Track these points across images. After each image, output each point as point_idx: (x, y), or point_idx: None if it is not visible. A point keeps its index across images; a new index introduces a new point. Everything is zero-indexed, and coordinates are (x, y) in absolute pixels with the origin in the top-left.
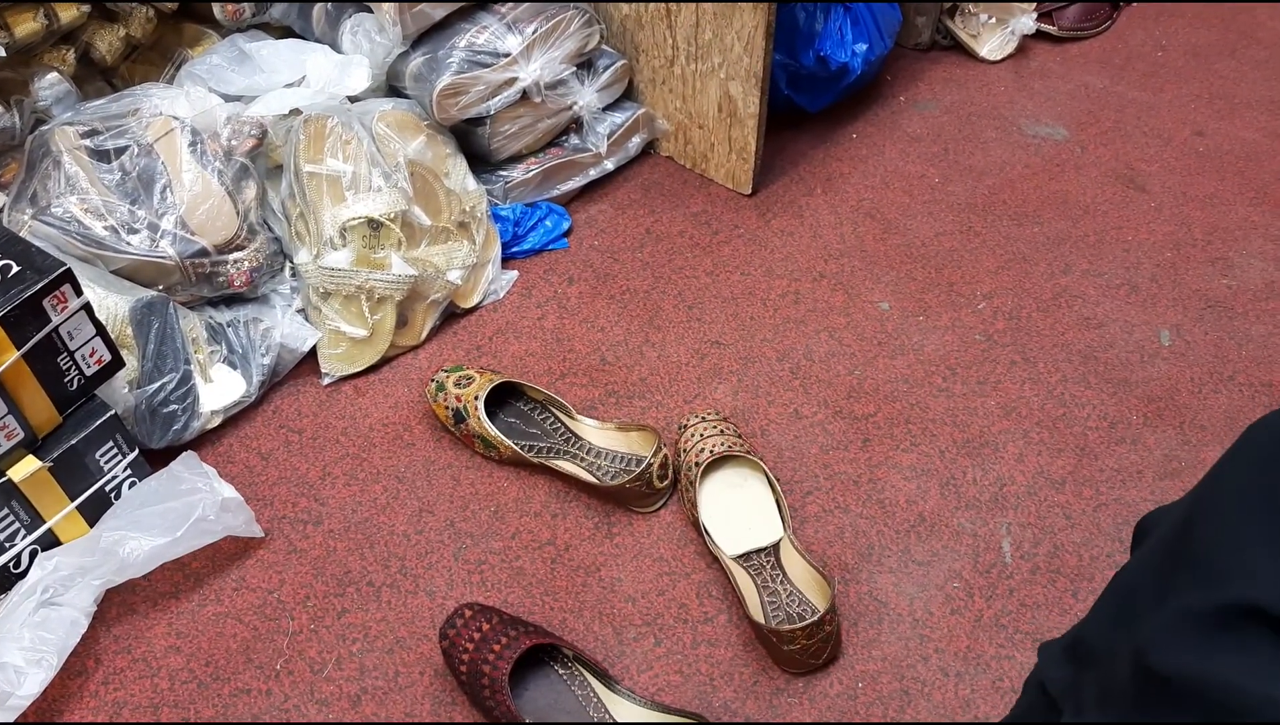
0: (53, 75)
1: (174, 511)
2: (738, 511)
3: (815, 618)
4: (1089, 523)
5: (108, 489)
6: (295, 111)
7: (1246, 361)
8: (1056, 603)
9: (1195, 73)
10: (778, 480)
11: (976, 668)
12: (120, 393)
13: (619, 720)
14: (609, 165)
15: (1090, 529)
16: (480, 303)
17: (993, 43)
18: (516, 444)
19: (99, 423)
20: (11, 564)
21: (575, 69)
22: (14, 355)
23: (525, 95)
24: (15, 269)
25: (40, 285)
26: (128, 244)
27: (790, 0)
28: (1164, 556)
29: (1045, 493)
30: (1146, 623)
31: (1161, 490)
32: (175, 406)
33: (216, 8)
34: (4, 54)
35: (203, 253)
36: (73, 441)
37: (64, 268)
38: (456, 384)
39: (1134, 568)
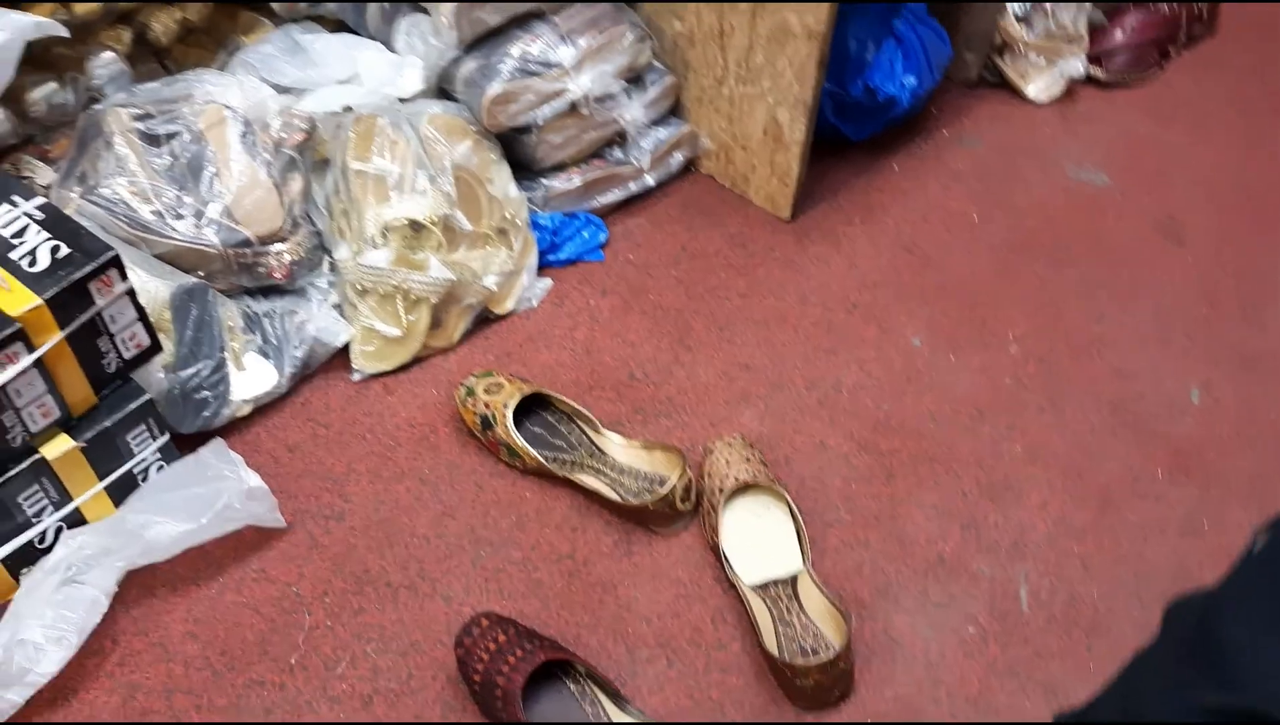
0: (108, 54)
1: (200, 498)
2: (758, 540)
3: (831, 655)
4: (1108, 575)
5: (136, 471)
6: (347, 108)
7: (1276, 424)
8: (1071, 654)
9: (1241, 126)
10: (800, 511)
11: (987, 714)
12: (155, 376)
13: None
14: (650, 180)
15: (1109, 582)
16: (513, 310)
17: (1040, 83)
18: (541, 455)
19: (134, 406)
20: (37, 539)
21: (624, 83)
22: (57, 336)
23: (574, 107)
24: (65, 251)
25: (89, 269)
26: (173, 229)
27: (848, 1)
28: (1179, 648)
29: (1065, 542)
30: (1153, 712)
31: (1182, 548)
32: (207, 393)
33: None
34: (66, 33)
35: (246, 243)
36: (106, 423)
37: (112, 253)
38: (486, 390)
39: (1148, 656)
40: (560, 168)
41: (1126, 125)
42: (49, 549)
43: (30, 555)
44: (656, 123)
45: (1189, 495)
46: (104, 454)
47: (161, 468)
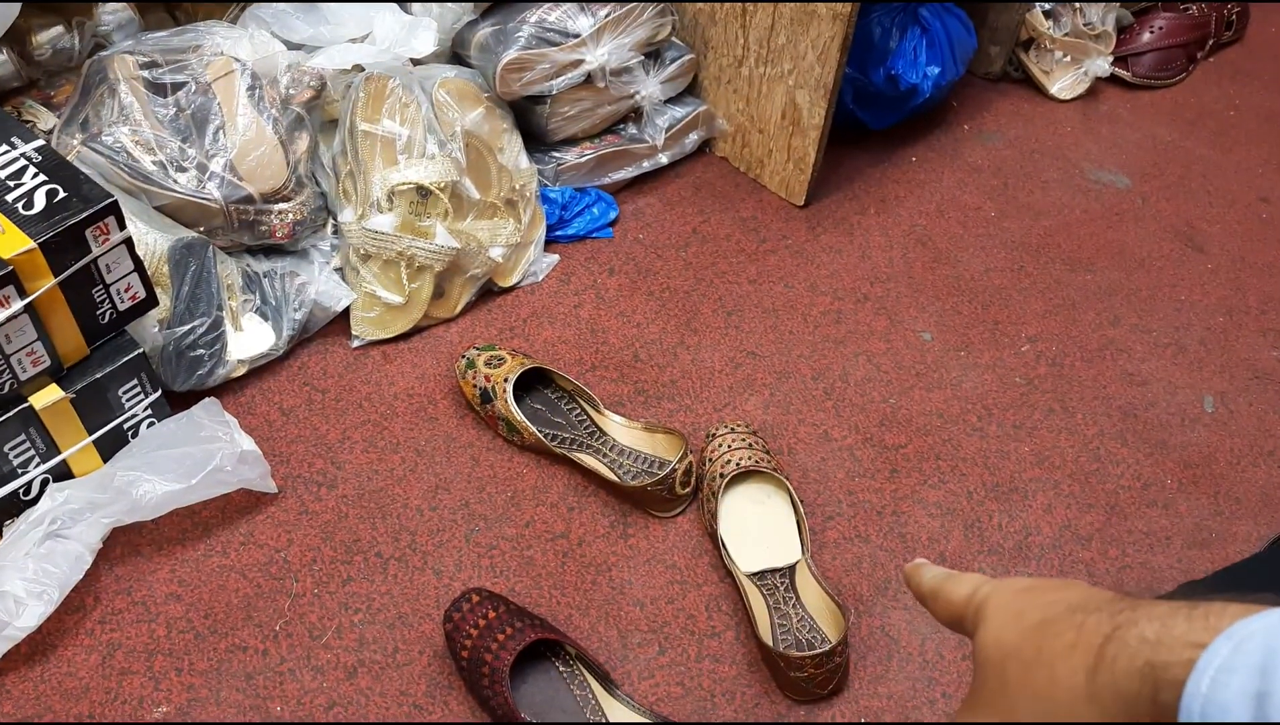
0: (117, 1)
1: (191, 458)
2: (757, 528)
3: (826, 648)
4: (1111, 584)
5: (126, 426)
6: (358, 68)
7: None
8: None
9: (1266, 137)
10: (801, 502)
11: None
12: (149, 331)
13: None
14: (663, 159)
15: (1112, 590)
16: (518, 283)
17: (1064, 81)
18: (540, 431)
19: (126, 359)
20: (21, 491)
21: (642, 58)
22: (50, 282)
23: (589, 79)
24: (61, 194)
25: (85, 214)
26: (174, 181)
27: (871, 1)
28: None
29: (1070, 547)
30: None
31: (1189, 559)
32: (203, 351)
33: None
34: None
35: (248, 200)
36: (98, 375)
37: (111, 199)
38: (487, 363)
39: None
40: (573, 141)
41: (1149, 129)
42: (34, 501)
43: (14, 507)
44: (673, 101)
45: (1198, 506)
46: (94, 406)
47: (152, 424)
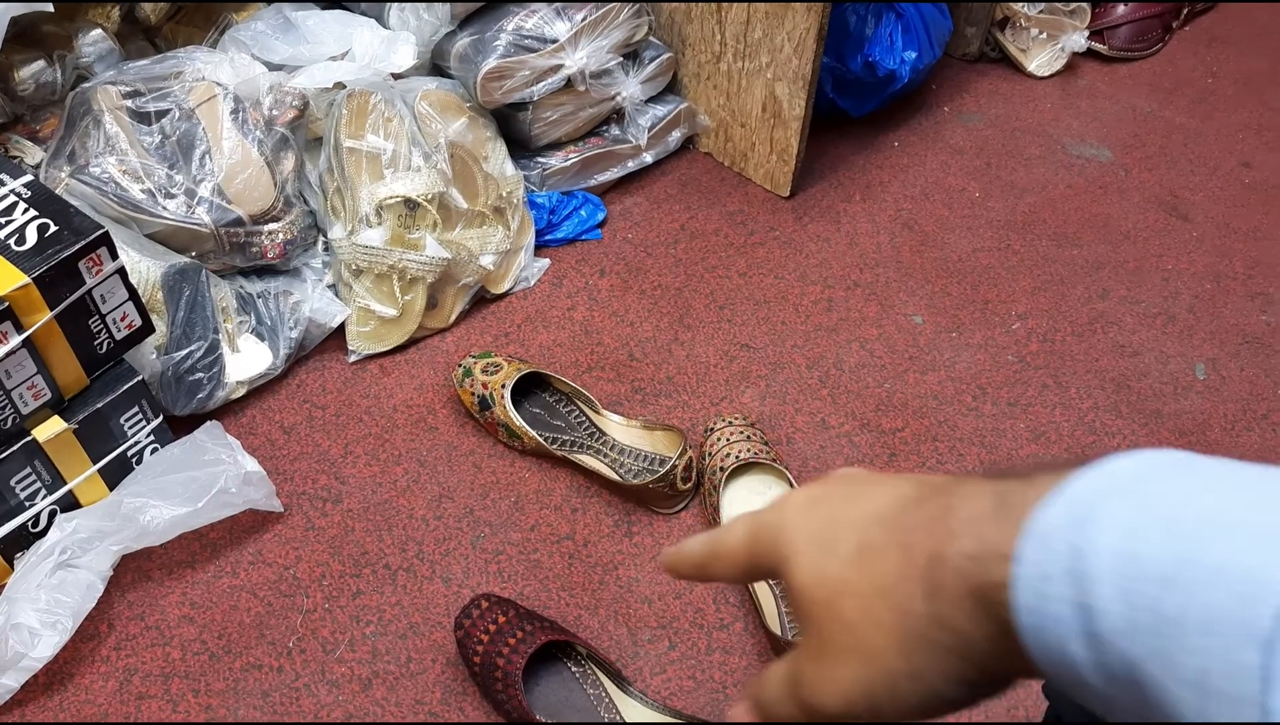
0: (97, 32)
1: (196, 481)
2: None
3: None
4: None
5: (130, 454)
6: (339, 85)
7: None
8: None
9: (1245, 102)
10: None
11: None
12: (147, 358)
13: (630, 722)
14: (648, 158)
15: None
16: (511, 289)
17: (1041, 58)
18: (540, 435)
19: (126, 387)
20: (30, 523)
21: (621, 59)
22: (46, 316)
23: (570, 83)
24: (53, 228)
25: (77, 246)
26: (164, 208)
27: (844, 0)
28: None
29: None
30: None
31: None
32: (201, 375)
33: None
34: (51, 9)
35: (238, 222)
36: (99, 405)
37: (102, 230)
38: (484, 371)
39: None
40: (557, 145)
41: (1129, 100)
42: (43, 533)
43: (24, 539)
44: (654, 100)
45: None
46: (97, 436)
47: (155, 450)
